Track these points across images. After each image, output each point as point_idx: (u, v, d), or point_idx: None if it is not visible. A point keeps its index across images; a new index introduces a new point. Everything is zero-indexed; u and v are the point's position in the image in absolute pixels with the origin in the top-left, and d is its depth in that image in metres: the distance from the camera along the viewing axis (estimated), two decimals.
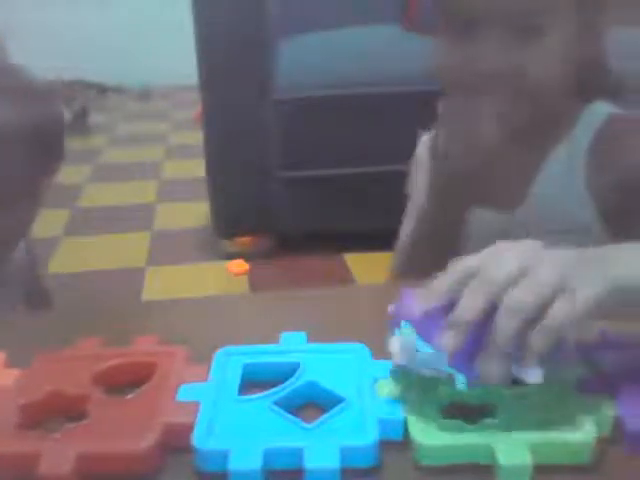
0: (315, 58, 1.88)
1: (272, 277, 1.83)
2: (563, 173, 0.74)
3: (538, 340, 0.42)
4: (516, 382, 0.45)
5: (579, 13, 0.67)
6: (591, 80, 0.74)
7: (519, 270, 0.42)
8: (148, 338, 0.56)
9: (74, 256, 2.03)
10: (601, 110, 0.75)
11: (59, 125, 0.84)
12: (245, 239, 1.98)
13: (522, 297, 0.42)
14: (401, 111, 1.70)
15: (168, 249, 2.06)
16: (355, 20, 2.06)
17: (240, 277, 1.86)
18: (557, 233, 0.71)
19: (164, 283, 1.85)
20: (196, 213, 2.21)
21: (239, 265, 1.90)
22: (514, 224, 0.75)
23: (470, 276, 0.44)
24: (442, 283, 0.45)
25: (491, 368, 0.42)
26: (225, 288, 1.80)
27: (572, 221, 0.74)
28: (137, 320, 0.64)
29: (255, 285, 1.81)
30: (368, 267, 1.83)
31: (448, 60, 0.70)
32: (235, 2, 1.73)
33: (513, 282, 0.42)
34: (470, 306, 0.42)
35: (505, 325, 0.42)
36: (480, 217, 0.75)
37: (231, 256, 1.94)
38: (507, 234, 0.71)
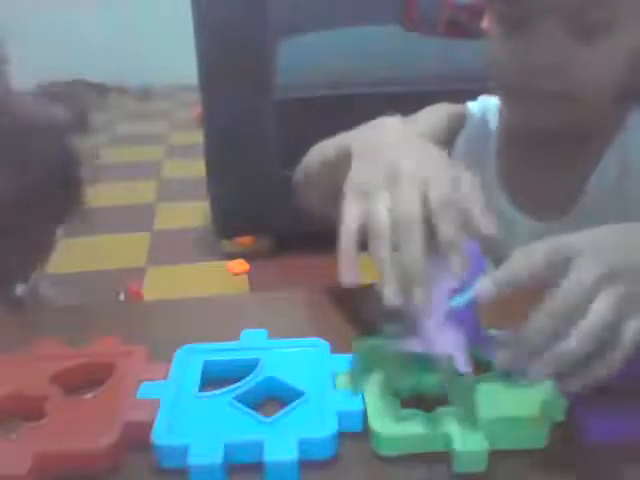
0: (315, 58, 1.89)
1: (272, 277, 1.83)
2: (615, 181, 0.70)
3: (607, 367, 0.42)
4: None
5: None
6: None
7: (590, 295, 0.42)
8: (107, 338, 0.56)
9: (74, 256, 2.03)
10: None
11: (77, 165, 0.84)
12: (245, 239, 1.98)
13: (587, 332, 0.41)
14: (401, 111, 1.69)
15: (168, 249, 2.06)
16: (355, 20, 2.06)
17: (240, 277, 1.86)
18: None
19: (164, 283, 1.85)
20: (196, 213, 2.21)
21: (239, 265, 1.90)
22: (557, 234, 0.72)
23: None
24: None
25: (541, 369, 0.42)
26: (225, 288, 1.80)
27: None
28: (103, 320, 0.63)
29: (255, 285, 1.81)
30: (368, 267, 1.82)
31: (500, 55, 0.65)
32: (235, 2, 1.73)
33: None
34: (538, 336, 0.42)
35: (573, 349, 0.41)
36: (521, 225, 0.73)
37: (231, 256, 1.95)
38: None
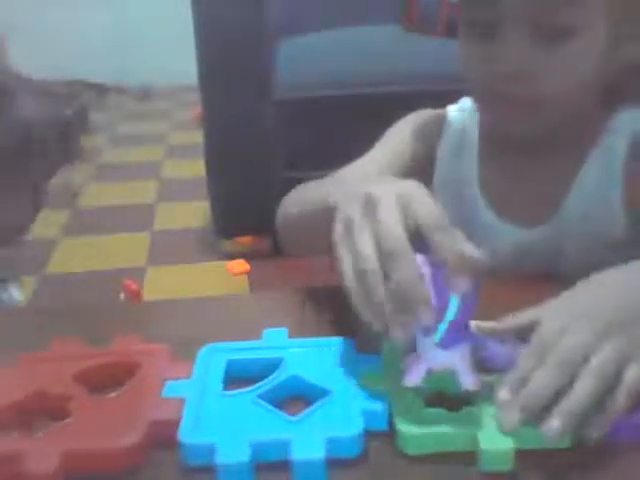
0: (315, 58, 1.89)
1: (272, 277, 1.83)
2: (598, 186, 0.69)
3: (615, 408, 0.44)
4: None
5: (615, 14, 0.61)
6: (624, 85, 0.68)
7: (588, 352, 0.44)
8: (129, 337, 0.56)
9: (74, 256, 2.03)
10: (633, 118, 0.69)
11: (71, 125, 0.89)
12: (245, 239, 1.98)
13: (591, 383, 0.43)
14: (401, 111, 1.70)
15: (168, 249, 2.06)
16: (355, 20, 2.07)
17: (240, 277, 1.86)
18: (585, 251, 0.70)
19: (164, 283, 1.85)
20: (196, 213, 2.21)
21: (239, 265, 1.90)
22: (538, 240, 0.71)
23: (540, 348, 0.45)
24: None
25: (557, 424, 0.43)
26: (225, 288, 1.80)
27: (603, 238, 0.69)
28: (122, 319, 0.64)
29: (255, 285, 1.81)
30: None
31: (470, 61, 0.65)
32: (235, 2, 1.73)
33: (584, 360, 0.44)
34: (543, 392, 0.43)
35: (581, 400, 0.43)
36: (502, 232, 0.72)
37: (231, 256, 1.94)
38: (530, 251, 0.71)
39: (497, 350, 0.48)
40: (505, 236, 0.72)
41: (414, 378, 0.46)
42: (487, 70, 0.63)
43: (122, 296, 1.64)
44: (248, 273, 1.88)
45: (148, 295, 1.73)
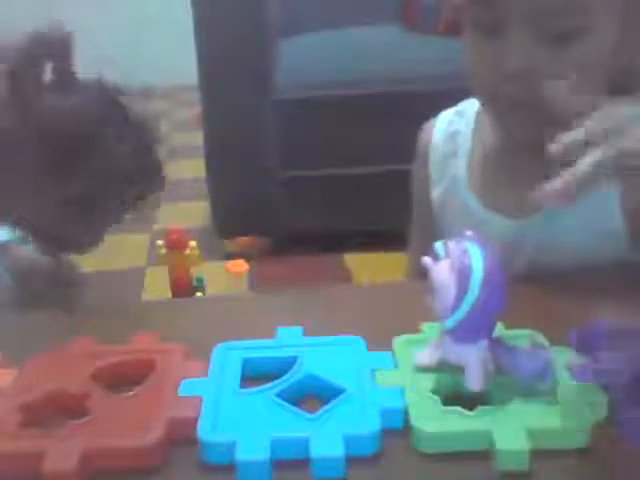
0: (315, 58, 1.89)
1: (272, 277, 1.83)
2: None
3: None
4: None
5: (622, 14, 0.61)
6: (625, 83, 0.67)
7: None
8: (145, 336, 0.56)
9: (74, 257, 2.03)
10: None
11: None
12: (245, 239, 1.98)
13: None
14: (401, 111, 1.70)
15: None
16: (355, 20, 2.07)
17: (240, 277, 1.86)
18: (579, 246, 0.69)
19: (164, 283, 1.85)
20: (196, 213, 2.21)
21: (239, 265, 1.90)
22: (527, 233, 0.71)
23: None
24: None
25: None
26: (225, 288, 1.80)
27: (598, 233, 0.69)
28: (135, 319, 0.64)
29: (255, 285, 1.81)
30: (368, 267, 1.83)
31: (476, 63, 0.65)
32: (235, 2, 1.74)
33: None
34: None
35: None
36: (491, 222, 0.73)
37: (231, 256, 1.94)
38: (519, 243, 0.71)
39: (523, 362, 0.46)
40: (499, 230, 0.72)
41: (426, 359, 0.47)
42: (493, 71, 0.63)
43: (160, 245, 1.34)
44: (248, 273, 1.88)
45: (148, 295, 1.73)
